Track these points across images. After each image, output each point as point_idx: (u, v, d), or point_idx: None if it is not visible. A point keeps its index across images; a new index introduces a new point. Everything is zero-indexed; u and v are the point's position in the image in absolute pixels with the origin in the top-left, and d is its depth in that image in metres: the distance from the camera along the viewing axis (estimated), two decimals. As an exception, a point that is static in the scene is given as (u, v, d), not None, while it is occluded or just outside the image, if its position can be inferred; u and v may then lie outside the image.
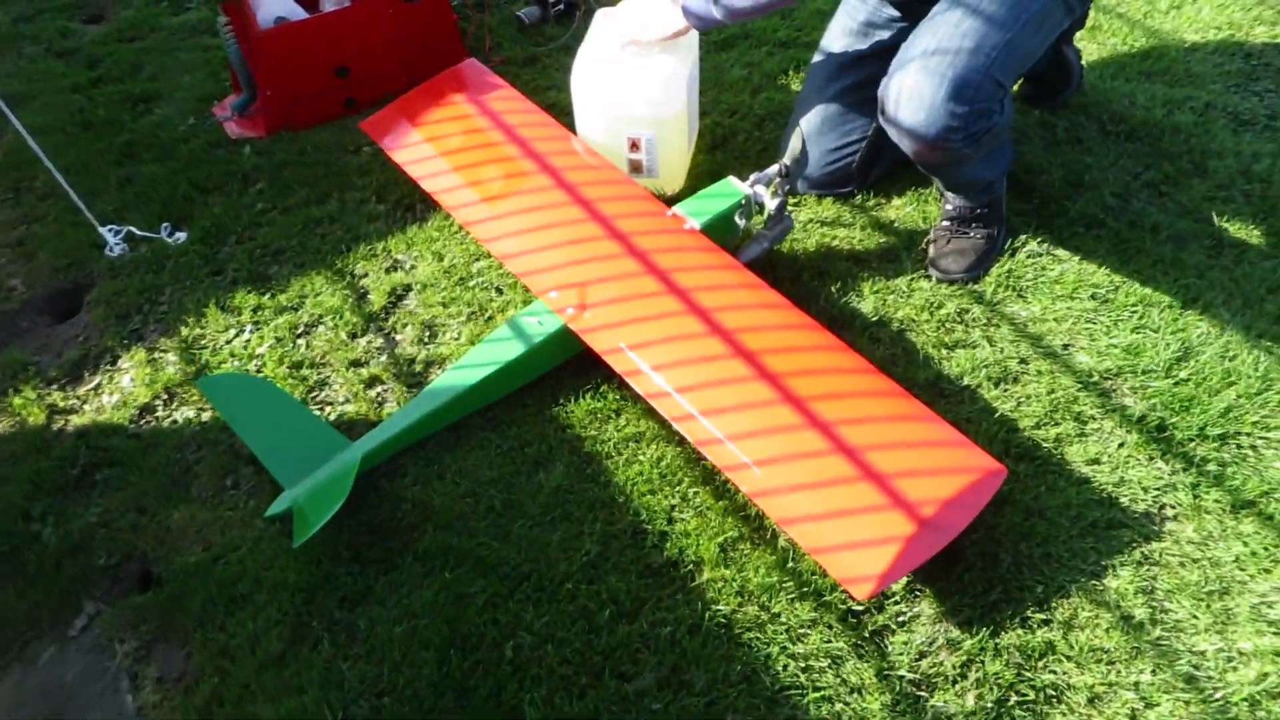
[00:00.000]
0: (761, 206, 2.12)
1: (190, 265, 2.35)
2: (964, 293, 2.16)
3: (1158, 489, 1.79)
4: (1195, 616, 1.62)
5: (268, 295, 2.26)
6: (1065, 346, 2.05)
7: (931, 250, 2.24)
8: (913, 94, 1.91)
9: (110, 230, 2.40)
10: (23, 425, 2.04)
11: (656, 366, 1.84)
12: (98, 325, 2.24)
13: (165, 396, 2.08)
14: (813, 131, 2.31)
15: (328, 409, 2.04)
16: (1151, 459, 1.84)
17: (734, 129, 2.62)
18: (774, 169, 2.13)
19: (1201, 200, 2.29)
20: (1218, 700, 1.51)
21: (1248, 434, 1.85)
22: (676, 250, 2.03)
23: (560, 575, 1.73)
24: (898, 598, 1.68)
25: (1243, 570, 1.67)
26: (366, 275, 2.31)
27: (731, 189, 2.15)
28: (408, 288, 2.27)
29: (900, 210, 2.37)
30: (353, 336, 2.18)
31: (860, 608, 1.66)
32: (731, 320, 1.88)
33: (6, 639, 1.74)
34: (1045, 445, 1.87)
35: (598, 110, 2.32)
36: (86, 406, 2.08)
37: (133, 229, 2.42)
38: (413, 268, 2.32)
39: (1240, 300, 2.08)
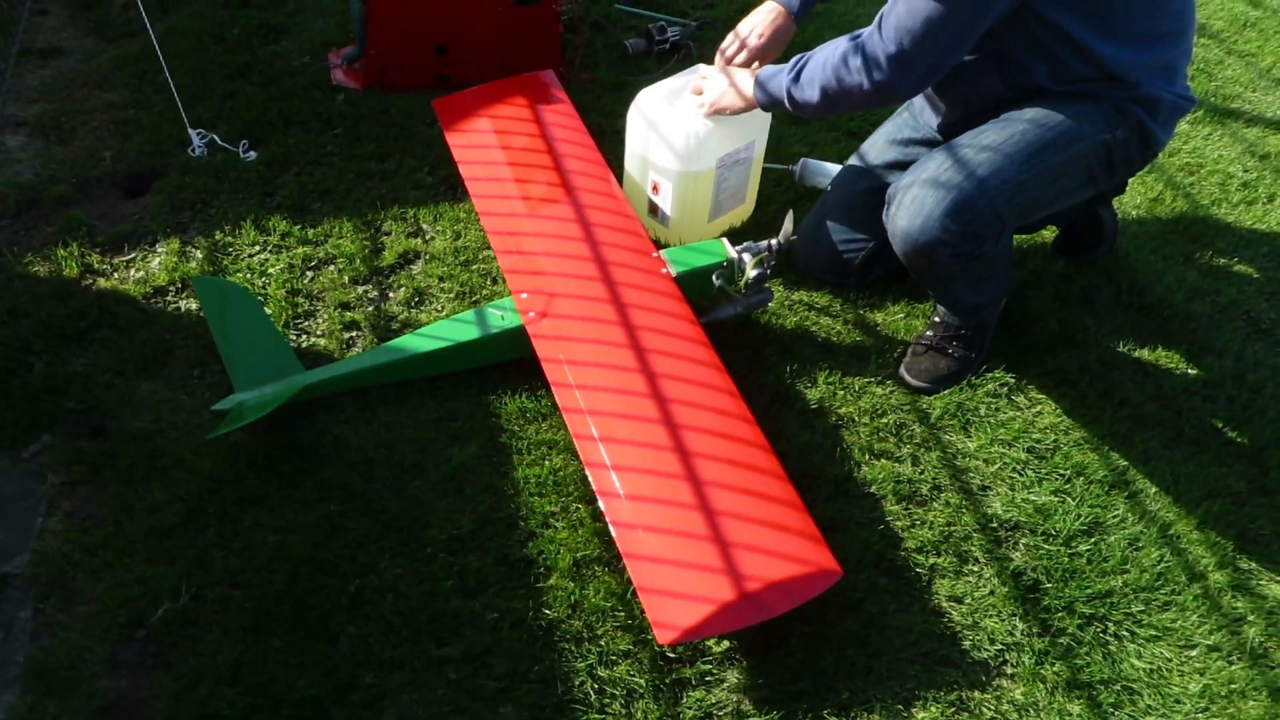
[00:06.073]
0: (742, 273, 2.23)
1: (248, 181, 2.62)
2: (912, 409, 2.22)
3: (1005, 644, 1.82)
4: (978, 771, 1.65)
5: (299, 226, 2.51)
6: (983, 488, 2.08)
7: (907, 355, 2.30)
8: (915, 200, 1.99)
9: (198, 133, 2.70)
10: (57, 273, 2.33)
11: (580, 385, 1.98)
12: (153, 210, 2.53)
13: (179, 285, 2.34)
14: (829, 219, 2.41)
15: (302, 337, 2.25)
16: (1012, 615, 1.86)
17: (771, 196, 2.73)
18: (765, 243, 2.24)
19: (1182, 391, 2.27)
20: None
21: (1117, 622, 1.86)
22: (645, 290, 2.16)
23: (429, 539, 1.89)
24: (712, 658, 1.76)
25: (1046, 747, 1.69)
26: (390, 234, 2.53)
27: (719, 249, 2.27)
28: (418, 254, 2.48)
29: (890, 316, 2.43)
30: (354, 282, 2.39)
31: (673, 655, 1.76)
32: (662, 366, 2.00)
33: (-26, 443, 2.02)
34: (917, 569, 1.92)
35: (638, 144, 2.47)
36: (115, 275, 2.36)
37: (216, 138, 2.71)
38: (431, 239, 2.53)
39: (1173, 497, 2.07)
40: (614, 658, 1.75)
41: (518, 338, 2.13)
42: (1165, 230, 2.71)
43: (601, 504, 1.81)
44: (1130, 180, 2.79)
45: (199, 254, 2.42)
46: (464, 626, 1.77)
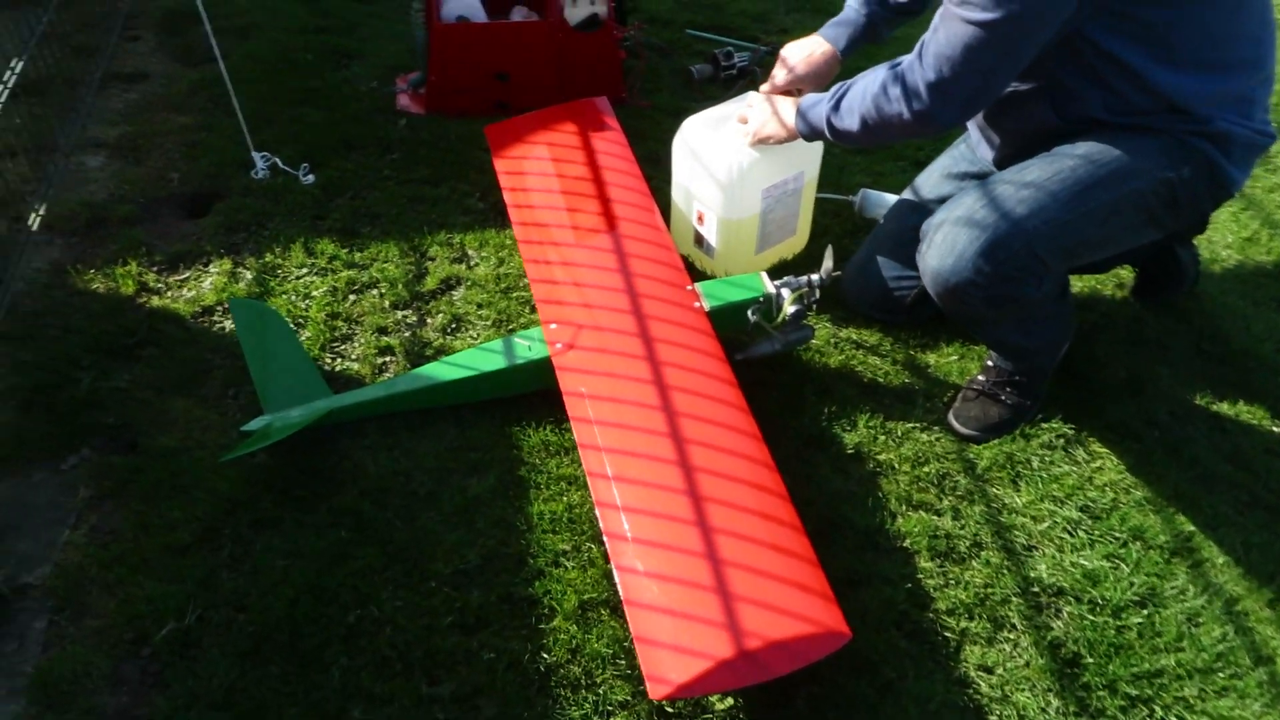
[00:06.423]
0: (780, 309, 2.14)
1: (303, 204, 2.66)
2: (958, 458, 2.09)
3: (1036, 722, 1.68)
4: None
5: (347, 250, 2.53)
6: (1029, 548, 1.93)
7: (957, 401, 2.18)
8: (948, 237, 1.89)
9: (261, 156, 2.76)
10: (115, 291, 2.41)
11: (599, 420, 1.92)
12: (210, 231, 2.59)
13: (225, 305, 2.38)
14: (879, 255, 2.30)
15: (337, 360, 2.26)
16: (1048, 690, 1.72)
17: (826, 228, 2.63)
18: (805, 278, 2.14)
19: (1262, 451, 2.08)
20: None
21: (1166, 706, 1.69)
22: (676, 324, 2.08)
23: (433, 572, 1.85)
24: (712, 715, 1.67)
25: (1069, 838, 1.54)
26: (434, 259, 2.53)
27: (756, 284, 2.18)
28: (461, 280, 2.47)
29: (942, 358, 2.30)
30: (394, 307, 2.40)
31: (672, 710, 1.68)
32: (684, 404, 1.92)
33: (19, 455, 2.08)
34: (946, 634, 1.79)
35: (682, 173, 2.41)
36: (168, 293, 2.42)
37: (278, 160, 2.77)
38: (475, 265, 2.52)
39: (1244, 569, 1.88)
40: (610, 708, 1.68)
41: (544, 368, 2.09)
42: (1258, 273, 2.50)
43: (607, 546, 1.75)
44: (1219, 216, 2.60)
45: (249, 275, 2.46)
46: (458, 665, 1.72)
